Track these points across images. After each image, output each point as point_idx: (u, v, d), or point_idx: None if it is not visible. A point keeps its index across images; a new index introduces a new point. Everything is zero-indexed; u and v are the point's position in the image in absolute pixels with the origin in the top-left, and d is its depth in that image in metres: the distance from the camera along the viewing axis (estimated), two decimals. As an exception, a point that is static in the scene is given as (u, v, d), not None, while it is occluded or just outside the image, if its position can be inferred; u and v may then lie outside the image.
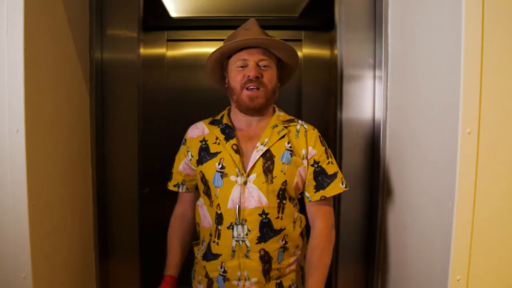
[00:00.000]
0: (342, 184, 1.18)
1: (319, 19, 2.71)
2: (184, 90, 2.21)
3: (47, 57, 1.16)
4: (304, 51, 2.89)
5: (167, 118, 2.92)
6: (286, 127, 1.20)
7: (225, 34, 3.32)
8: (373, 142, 1.48)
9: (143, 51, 2.82)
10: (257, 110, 1.17)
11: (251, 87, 1.13)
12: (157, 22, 2.77)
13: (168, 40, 2.90)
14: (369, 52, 1.47)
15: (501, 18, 0.90)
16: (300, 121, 1.24)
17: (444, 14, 1.00)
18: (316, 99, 2.92)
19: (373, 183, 1.48)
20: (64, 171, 1.27)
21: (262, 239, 1.12)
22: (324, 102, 2.92)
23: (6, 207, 1.03)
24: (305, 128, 1.21)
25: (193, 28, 2.88)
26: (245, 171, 1.14)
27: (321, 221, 1.16)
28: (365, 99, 1.49)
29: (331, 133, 2.87)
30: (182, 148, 1.30)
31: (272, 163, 1.14)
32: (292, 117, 1.26)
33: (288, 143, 1.16)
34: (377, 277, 1.47)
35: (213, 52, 1.19)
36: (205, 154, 1.20)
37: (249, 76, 1.12)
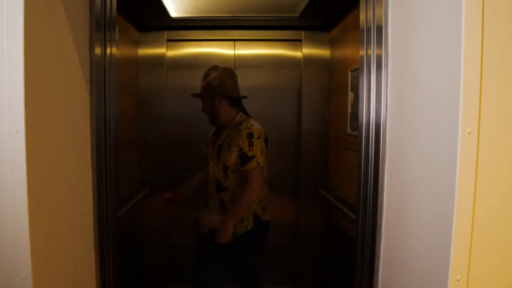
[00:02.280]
0: (257, 163, 1.92)
1: (319, 19, 2.71)
2: (184, 90, 2.21)
3: (47, 57, 1.16)
4: (304, 51, 2.90)
5: (167, 117, 2.93)
6: (235, 127, 2.01)
7: (225, 34, 3.32)
8: (373, 142, 1.48)
9: (142, 51, 2.84)
10: (216, 124, 2.13)
11: (206, 114, 2.10)
12: (157, 22, 2.78)
13: (168, 40, 2.90)
14: (369, 52, 1.47)
15: (501, 18, 0.90)
16: (244, 123, 2.00)
17: (445, 14, 1.00)
18: (316, 98, 2.92)
19: (373, 183, 1.48)
20: (64, 171, 1.27)
21: (218, 191, 2.04)
22: (324, 102, 2.92)
23: (6, 207, 1.03)
24: (241, 129, 1.97)
25: (193, 28, 2.88)
26: (212, 155, 2.08)
27: (248, 182, 1.94)
28: (365, 99, 1.49)
29: (331, 133, 2.88)
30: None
31: (220, 151, 2.02)
32: (243, 119, 2.04)
33: (231, 139, 1.99)
34: (376, 277, 1.47)
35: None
36: (208, 143, 2.19)
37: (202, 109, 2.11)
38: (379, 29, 1.43)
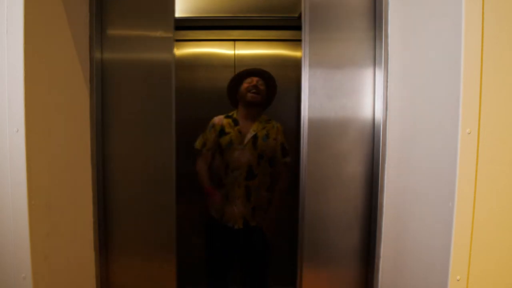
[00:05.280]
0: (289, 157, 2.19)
1: (319, 19, 2.71)
2: (184, 90, 2.21)
3: (47, 57, 1.16)
4: (304, 51, 2.89)
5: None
6: (267, 122, 2.17)
7: (226, 34, 3.30)
8: (373, 142, 1.48)
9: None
10: (256, 105, 2.11)
11: (253, 90, 2.08)
12: (157, 22, 2.77)
13: (168, 40, 2.90)
14: (369, 52, 1.47)
15: (501, 18, 0.90)
16: (273, 120, 2.18)
17: (445, 14, 1.00)
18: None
19: (373, 183, 1.48)
20: (64, 171, 1.27)
21: (247, 178, 2.08)
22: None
23: (6, 207, 1.03)
24: (276, 126, 2.16)
25: (193, 28, 2.88)
26: (243, 143, 2.09)
27: (286, 172, 2.20)
28: (365, 99, 1.49)
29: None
30: (210, 127, 2.16)
31: (256, 140, 2.11)
32: (268, 119, 2.19)
33: (267, 131, 2.14)
34: (376, 277, 1.47)
35: (237, 74, 2.16)
36: (222, 132, 2.13)
37: (253, 84, 2.09)
38: (379, 29, 1.43)
